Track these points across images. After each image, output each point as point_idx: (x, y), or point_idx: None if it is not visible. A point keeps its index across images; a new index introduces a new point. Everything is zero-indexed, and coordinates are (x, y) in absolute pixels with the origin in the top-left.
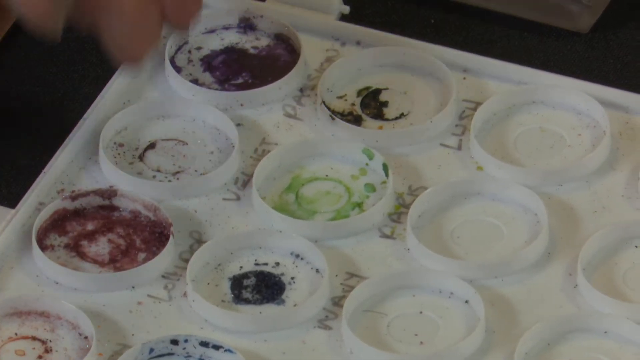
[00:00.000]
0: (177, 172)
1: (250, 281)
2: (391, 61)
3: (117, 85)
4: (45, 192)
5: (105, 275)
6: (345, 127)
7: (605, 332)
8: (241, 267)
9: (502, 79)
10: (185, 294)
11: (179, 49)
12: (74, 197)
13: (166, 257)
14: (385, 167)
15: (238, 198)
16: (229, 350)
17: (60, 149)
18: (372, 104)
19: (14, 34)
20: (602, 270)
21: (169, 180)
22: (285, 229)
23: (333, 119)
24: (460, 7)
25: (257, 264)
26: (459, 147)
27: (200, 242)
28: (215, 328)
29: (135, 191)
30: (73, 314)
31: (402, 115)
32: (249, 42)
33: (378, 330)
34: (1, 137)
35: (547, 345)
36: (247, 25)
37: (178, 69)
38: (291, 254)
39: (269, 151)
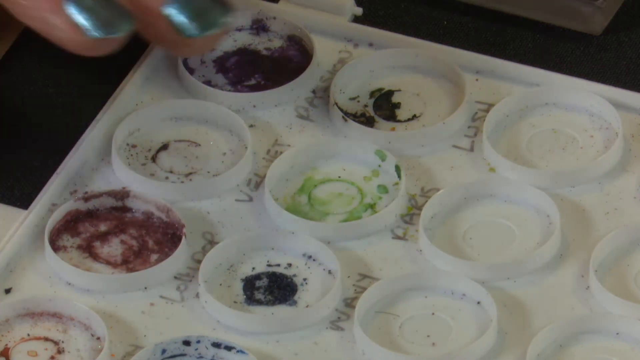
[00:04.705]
0: (190, 174)
1: (263, 282)
2: (404, 63)
3: (129, 86)
4: (58, 193)
5: (118, 276)
6: (357, 129)
7: (617, 333)
8: (253, 268)
9: (514, 81)
10: (197, 295)
11: None
12: (86, 198)
13: (179, 258)
14: (397, 169)
15: (250, 199)
16: (241, 351)
17: (72, 150)
18: (385, 105)
19: (26, 35)
20: (614, 272)
21: (182, 182)
22: (297, 230)
23: (345, 120)
24: (473, 9)
25: (269, 265)
26: (472, 149)
27: (212, 243)
28: (227, 329)
29: (148, 192)
30: (85, 314)
31: (414, 116)
32: (261, 44)
33: (390, 331)
34: (14, 138)
35: (559, 346)
36: (259, 26)
37: (191, 70)
38: (303, 255)
39: (281, 152)
